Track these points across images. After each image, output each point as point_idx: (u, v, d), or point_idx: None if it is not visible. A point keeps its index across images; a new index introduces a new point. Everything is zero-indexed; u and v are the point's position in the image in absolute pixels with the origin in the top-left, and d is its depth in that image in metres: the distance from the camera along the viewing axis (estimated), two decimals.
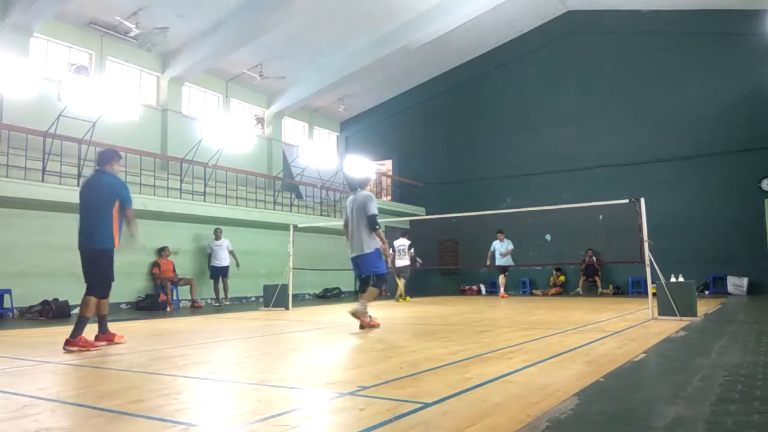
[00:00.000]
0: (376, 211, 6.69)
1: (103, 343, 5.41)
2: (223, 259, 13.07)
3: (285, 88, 18.20)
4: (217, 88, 16.94)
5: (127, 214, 5.51)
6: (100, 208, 5.37)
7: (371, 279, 6.75)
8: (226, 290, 13.23)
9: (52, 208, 10.46)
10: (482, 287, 17.65)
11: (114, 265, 5.46)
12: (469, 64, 19.51)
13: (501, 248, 14.59)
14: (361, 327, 6.47)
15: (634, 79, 16.62)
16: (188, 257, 13.24)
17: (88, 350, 5.07)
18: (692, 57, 15.90)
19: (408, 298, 13.76)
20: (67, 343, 5.09)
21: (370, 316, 6.63)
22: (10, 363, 4.53)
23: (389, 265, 12.27)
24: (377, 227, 6.71)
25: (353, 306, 6.56)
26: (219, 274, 13.12)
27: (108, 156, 5.72)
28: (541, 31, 18.28)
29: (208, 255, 13.28)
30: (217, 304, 12.90)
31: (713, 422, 2.47)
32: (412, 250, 14.15)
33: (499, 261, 14.55)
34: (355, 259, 6.80)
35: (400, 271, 13.73)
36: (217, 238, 13.16)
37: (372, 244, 6.69)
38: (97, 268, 5.32)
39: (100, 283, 5.35)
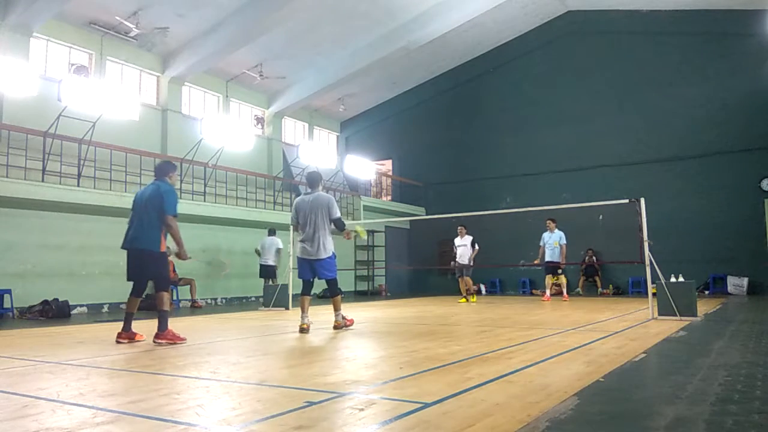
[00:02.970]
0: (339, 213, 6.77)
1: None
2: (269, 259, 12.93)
3: (285, 88, 18.20)
4: (217, 88, 16.94)
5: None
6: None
7: (326, 283, 6.74)
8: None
9: (51, 208, 10.46)
10: (482, 287, 17.65)
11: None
12: (469, 64, 19.52)
13: (550, 240, 12.35)
14: (336, 328, 6.67)
15: (634, 79, 16.63)
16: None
17: (175, 343, 5.44)
18: (692, 57, 15.90)
19: (474, 298, 12.70)
20: (157, 336, 5.45)
21: (343, 316, 6.76)
22: (10, 363, 4.53)
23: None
24: (344, 227, 6.76)
25: (335, 322, 6.69)
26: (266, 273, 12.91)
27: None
28: (541, 31, 18.28)
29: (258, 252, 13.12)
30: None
31: (713, 422, 2.46)
32: (476, 246, 12.49)
33: (550, 256, 12.29)
34: (311, 262, 6.52)
35: (464, 269, 12.58)
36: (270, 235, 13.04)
37: (331, 248, 6.61)
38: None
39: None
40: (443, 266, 18.88)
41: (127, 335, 5.67)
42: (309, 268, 6.56)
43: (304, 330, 6.43)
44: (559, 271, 12.73)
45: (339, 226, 6.66)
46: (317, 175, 6.89)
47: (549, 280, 12.91)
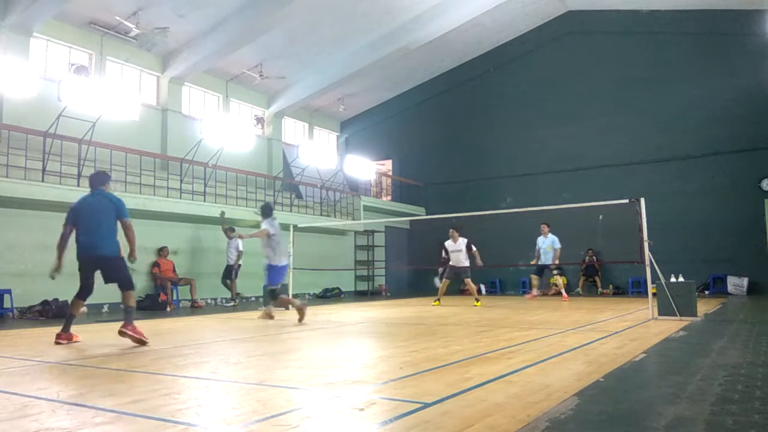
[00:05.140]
0: None
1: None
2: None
3: (285, 88, 18.20)
4: (217, 88, 16.94)
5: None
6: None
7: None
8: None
9: (51, 208, 10.44)
10: (482, 287, 17.64)
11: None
12: (469, 64, 19.52)
13: (543, 245, 12.55)
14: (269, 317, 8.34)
15: (634, 79, 16.62)
16: (188, 257, 13.23)
17: (141, 339, 5.53)
18: (692, 57, 15.90)
19: (479, 302, 11.68)
20: (125, 326, 5.56)
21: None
22: (10, 363, 4.53)
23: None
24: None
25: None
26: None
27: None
28: (541, 31, 18.28)
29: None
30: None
31: (713, 422, 2.47)
32: (474, 247, 12.06)
33: (544, 260, 12.49)
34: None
35: (461, 272, 11.95)
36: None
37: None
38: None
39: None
40: (443, 266, 18.88)
41: (66, 336, 5.74)
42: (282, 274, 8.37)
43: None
44: (556, 272, 12.81)
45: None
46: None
47: (535, 280, 13.09)
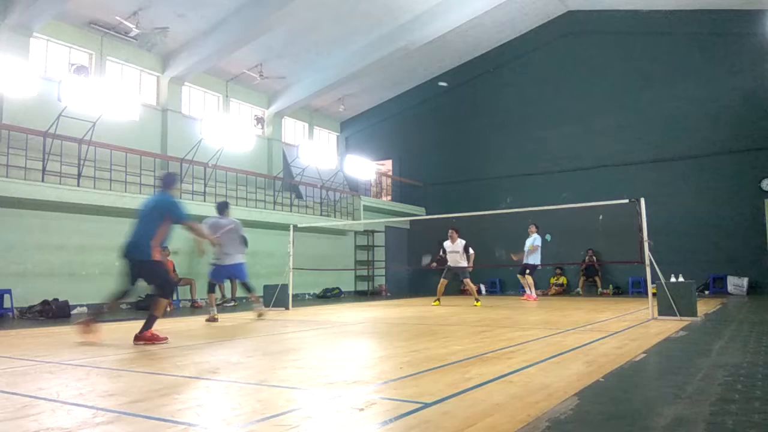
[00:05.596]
0: None
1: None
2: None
3: (285, 88, 18.20)
4: (217, 88, 16.94)
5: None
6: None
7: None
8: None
9: (51, 208, 10.46)
10: (482, 287, 17.64)
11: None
12: (469, 64, 19.52)
13: (526, 245, 12.88)
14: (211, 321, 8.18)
15: (634, 79, 16.63)
16: (188, 257, 13.23)
17: (154, 344, 5.53)
18: (692, 57, 15.90)
19: (478, 302, 11.61)
20: (136, 338, 5.56)
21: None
22: (10, 363, 4.53)
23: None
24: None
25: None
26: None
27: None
28: (541, 31, 18.29)
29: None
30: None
31: (713, 422, 2.47)
32: (471, 250, 11.93)
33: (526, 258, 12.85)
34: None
35: (459, 272, 12.04)
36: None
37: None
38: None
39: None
40: (443, 266, 18.89)
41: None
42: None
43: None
44: (527, 271, 13.05)
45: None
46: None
47: (522, 279, 13.31)
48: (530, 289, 13.18)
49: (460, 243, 11.70)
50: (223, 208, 9.04)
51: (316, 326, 7.48)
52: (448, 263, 11.87)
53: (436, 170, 19.85)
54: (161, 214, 5.81)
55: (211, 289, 8.91)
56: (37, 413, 2.79)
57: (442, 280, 12.05)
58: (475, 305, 11.20)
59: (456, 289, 18.50)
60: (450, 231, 11.80)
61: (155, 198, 6.11)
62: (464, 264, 11.74)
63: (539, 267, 13.21)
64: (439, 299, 12.00)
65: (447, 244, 11.85)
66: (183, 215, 5.90)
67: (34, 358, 4.73)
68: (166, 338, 5.71)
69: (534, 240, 12.74)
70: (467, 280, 11.91)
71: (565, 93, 17.68)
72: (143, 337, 5.54)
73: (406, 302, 13.32)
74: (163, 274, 5.85)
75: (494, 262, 16.20)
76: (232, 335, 6.76)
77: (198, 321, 8.70)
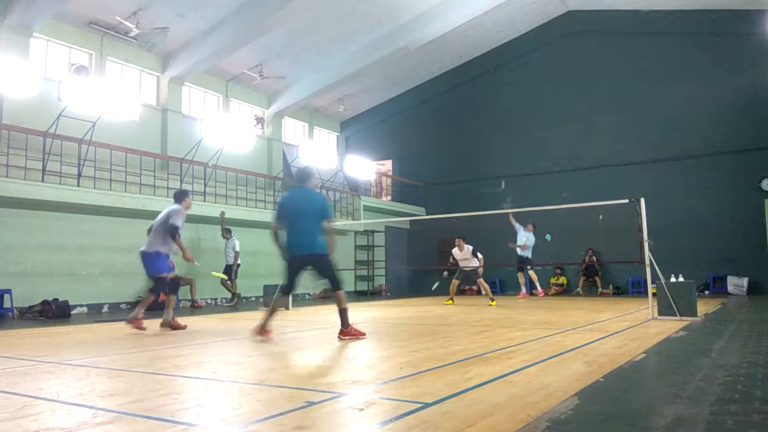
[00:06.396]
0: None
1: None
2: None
3: (285, 88, 18.20)
4: (217, 88, 16.94)
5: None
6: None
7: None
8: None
9: (51, 208, 10.46)
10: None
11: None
12: (469, 64, 19.52)
13: (521, 239, 12.81)
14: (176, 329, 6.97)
15: (634, 79, 16.63)
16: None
17: (359, 338, 5.68)
18: (692, 57, 15.90)
19: (494, 302, 11.68)
20: (341, 332, 5.71)
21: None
22: (10, 363, 4.53)
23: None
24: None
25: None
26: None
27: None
28: (541, 31, 18.29)
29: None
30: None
31: (713, 422, 2.47)
32: (479, 254, 12.14)
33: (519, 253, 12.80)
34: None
35: (472, 274, 12.21)
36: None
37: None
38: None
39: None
40: (443, 266, 18.90)
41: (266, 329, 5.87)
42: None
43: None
44: (528, 267, 13.10)
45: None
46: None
47: (521, 278, 13.35)
48: (535, 284, 13.22)
49: (468, 249, 11.86)
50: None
51: (315, 326, 7.48)
52: (461, 266, 12.08)
53: (436, 170, 19.85)
54: (324, 212, 5.86)
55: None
56: (37, 413, 2.79)
57: (454, 280, 12.31)
58: (491, 304, 11.33)
59: (456, 289, 18.51)
60: (457, 240, 11.92)
61: (306, 194, 5.93)
62: (476, 265, 11.98)
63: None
64: (452, 298, 12.19)
65: (455, 252, 11.98)
66: (332, 215, 6.08)
67: (34, 358, 4.73)
68: (365, 333, 5.81)
69: (528, 238, 12.73)
70: (481, 280, 12.12)
71: (565, 93, 17.68)
72: (349, 332, 5.69)
73: (406, 302, 13.32)
74: (334, 268, 5.92)
75: (495, 262, 16.18)
76: (232, 335, 6.76)
77: (198, 321, 8.69)
